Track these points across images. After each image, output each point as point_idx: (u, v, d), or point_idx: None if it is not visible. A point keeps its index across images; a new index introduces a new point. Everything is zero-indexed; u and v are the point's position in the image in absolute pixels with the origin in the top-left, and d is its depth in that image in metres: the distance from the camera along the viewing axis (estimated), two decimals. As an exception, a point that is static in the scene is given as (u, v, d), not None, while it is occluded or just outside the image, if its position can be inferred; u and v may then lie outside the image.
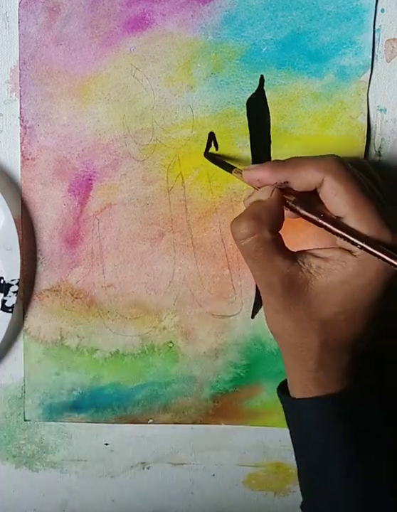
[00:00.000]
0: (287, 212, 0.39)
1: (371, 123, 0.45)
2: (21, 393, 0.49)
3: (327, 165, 0.37)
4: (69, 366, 0.48)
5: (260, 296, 0.47)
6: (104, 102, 0.44)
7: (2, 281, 0.45)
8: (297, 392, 0.41)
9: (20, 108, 0.44)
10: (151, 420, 0.50)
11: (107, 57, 0.44)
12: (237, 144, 0.45)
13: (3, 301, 0.46)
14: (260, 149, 0.45)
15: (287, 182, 0.38)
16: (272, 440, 0.51)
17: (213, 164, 0.45)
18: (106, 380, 0.48)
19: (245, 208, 0.40)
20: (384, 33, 0.44)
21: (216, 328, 0.48)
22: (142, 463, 0.51)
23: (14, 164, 0.45)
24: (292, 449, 0.50)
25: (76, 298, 0.47)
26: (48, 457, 0.51)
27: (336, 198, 0.37)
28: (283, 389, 0.43)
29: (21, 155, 0.45)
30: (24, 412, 0.49)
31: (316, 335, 0.39)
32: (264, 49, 0.44)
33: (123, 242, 0.46)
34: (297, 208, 0.38)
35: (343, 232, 0.37)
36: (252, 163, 0.45)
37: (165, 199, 0.46)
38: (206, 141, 0.45)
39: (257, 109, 0.45)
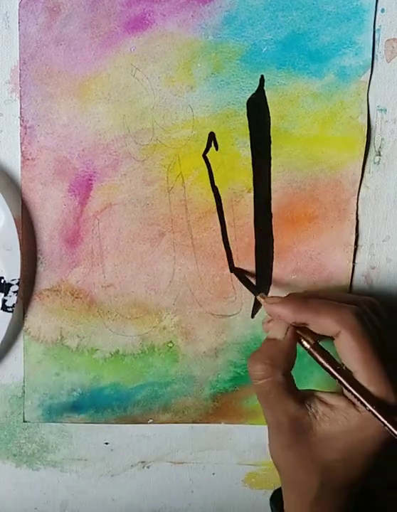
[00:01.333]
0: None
1: (371, 123, 0.45)
2: (22, 393, 0.49)
3: (346, 319, 0.39)
4: (69, 366, 0.48)
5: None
6: (104, 102, 0.44)
7: (2, 281, 0.45)
8: None
9: (21, 108, 0.44)
10: (151, 420, 0.50)
11: (107, 57, 0.44)
12: (237, 144, 0.45)
13: (4, 301, 0.46)
14: (260, 149, 0.45)
15: (306, 324, 0.40)
16: (271, 439, 0.51)
17: (212, 165, 0.45)
18: (106, 380, 0.48)
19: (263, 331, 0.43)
20: (384, 33, 0.44)
21: (216, 328, 0.48)
22: (142, 462, 0.52)
23: (14, 164, 0.45)
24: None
25: (76, 298, 0.47)
26: (49, 456, 0.51)
27: (349, 353, 0.39)
28: (275, 501, 0.46)
29: (21, 155, 0.45)
30: (23, 413, 0.49)
31: (316, 475, 0.41)
32: (264, 49, 0.44)
33: (123, 242, 0.46)
34: (315, 354, 0.40)
35: (355, 391, 0.38)
36: (253, 164, 0.45)
37: (165, 199, 0.46)
38: (206, 141, 0.45)
39: (257, 109, 0.45)
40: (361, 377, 0.38)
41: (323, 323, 0.39)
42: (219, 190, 0.46)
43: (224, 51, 0.44)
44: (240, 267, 0.47)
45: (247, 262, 0.47)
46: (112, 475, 0.52)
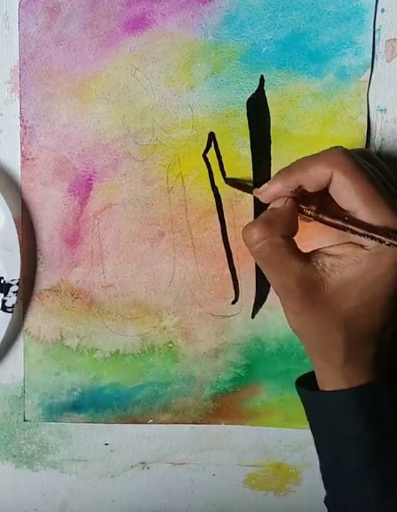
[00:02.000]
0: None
1: (371, 123, 0.45)
2: (21, 393, 0.49)
3: (334, 159, 0.38)
4: (69, 366, 0.48)
5: (260, 296, 0.47)
6: (104, 102, 0.44)
7: (2, 281, 0.45)
8: (326, 387, 0.42)
9: (21, 108, 0.44)
10: (151, 420, 0.50)
11: (107, 57, 0.44)
12: (237, 144, 0.45)
13: (3, 301, 0.46)
14: (260, 149, 0.45)
15: (300, 186, 0.39)
16: (272, 440, 0.51)
17: (212, 165, 0.45)
18: (106, 380, 0.48)
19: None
20: (384, 33, 0.44)
21: (216, 328, 0.48)
22: (142, 463, 0.51)
23: (14, 164, 0.45)
24: (292, 448, 0.50)
25: (76, 298, 0.47)
26: (48, 457, 0.51)
27: (345, 191, 0.37)
28: (302, 384, 0.44)
29: (21, 155, 0.45)
30: (24, 413, 0.49)
31: (340, 331, 0.39)
32: (264, 49, 0.44)
33: (123, 242, 0.46)
34: (320, 216, 0.39)
35: (370, 232, 0.37)
36: (253, 163, 0.45)
37: (165, 199, 0.46)
38: (206, 141, 0.45)
39: (257, 109, 0.45)
40: (363, 214, 0.37)
41: (313, 174, 0.38)
42: (219, 190, 0.46)
43: (224, 51, 0.44)
44: (239, 264, 0.47)
45: (247, 262, 0.47)
46: (112, 476, 0.52)
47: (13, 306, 0.46)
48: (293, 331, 0.41)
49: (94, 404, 0.49)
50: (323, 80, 0.44)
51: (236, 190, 0.46)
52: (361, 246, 0.38)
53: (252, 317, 0.48)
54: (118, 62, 0.44)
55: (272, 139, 0.45)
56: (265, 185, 0.40)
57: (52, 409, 0.49)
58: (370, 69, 0.44)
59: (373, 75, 0.44)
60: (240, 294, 0.47)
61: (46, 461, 0.51)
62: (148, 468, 0.52)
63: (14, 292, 0.46)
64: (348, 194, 0.37)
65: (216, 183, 0.46)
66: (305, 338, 0.41)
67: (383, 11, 0.44)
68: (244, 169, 0.46)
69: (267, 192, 0.40)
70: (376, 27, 0.44)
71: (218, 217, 0.46)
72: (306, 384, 0.43)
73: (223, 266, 0.47)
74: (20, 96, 0.44)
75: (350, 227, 0.38)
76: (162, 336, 0.48)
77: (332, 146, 0.45)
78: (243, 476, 0.52)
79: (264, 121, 0.45)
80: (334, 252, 0.39)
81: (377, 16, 0.44)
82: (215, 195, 0.46)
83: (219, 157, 0.45)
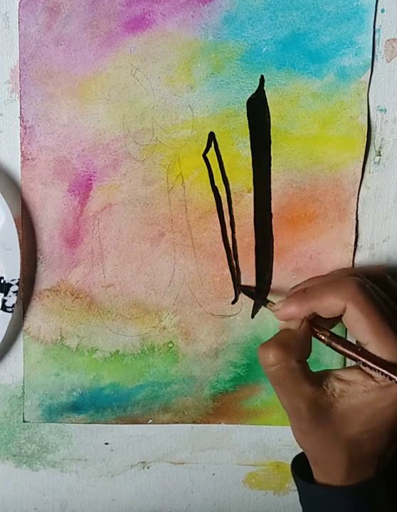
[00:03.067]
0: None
1: (371, 123, 0.45)
2: (21, 393, 0.49)
3: (347, 291, 0.39)
4: (69, 366, 0.48)
5: (260, 296, 0.47)
6: (104, 102, 0.44)
7: (2, 281, 0.45)
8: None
9: (21, 108, 0.44)
10: (151, 420, 0.50)
11: (107, 57, 0.44)
12: (237, 144, 0.45)
13: (3, 301, 0.46)
14: (260, 149, 0.45)
15: (314, 313, 0.40)
16: (271, 439, 0.51)
17: (212, 165, 0.45)
18: (106, 380, 0.48)
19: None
20: (384, 33, 0.44)
21: (216, 328, 0.48)
22: (142, 462, 0.51)
23: (14, 164, 0.45)
24: (292, 448, 0.51)
25: (76, 298, 0.47)
26: (48, 456, 0.51)
27: (358, 325, 0.38)
28: (297, 469, 0.45)
29: (21, 155, 0.45)
30: (23, 414, 0.49)
31: (343, 452, 0.40)
32: (264, 49, 0.44)
33: (123, 242, 0.46)
34: (333, 343, 0.40)
35: (378, 366, 0.38)
36: (253, 164, 0.45)
37: (165, 199, 0.46)
38: (206, 141, 0.45)
39: (257, 109, 0.45)
40: (373, 347, 0.38)
41: (328, 304, 0.39)
42: (219, 190, 0.46)
43: (224, 51, 0.44)
44: (240, 267, 0.47)
45: (247, 262, 0.47)
46: (112, 475, 0.52)
47: (13, 306, 0.46)
48: (299, 445, 0.43)
49: (94, 405, 0.49)
50: (323, 80, 0.44)
51: (236, 190, 0.46)
52: (371, 376, 0.39)
53: (252, 317, 0.48)
54: (118, 62, 0.44)
55: (272, 139, 0.45)
56: (280, 305, 0.42)
57: (52, 410, 0.49)
58: (370, 69, 0.44)
59: (373, 75, 0.44)
60: (239, 293, 0.47)
61: (46, 461, 0.51)
62: (148, 467, 0.52)
63: (14, 292, 0.46)
64: (360, 327, 0.38)
65: (216, 183, 0.46)
66: (310, 454, 0.43)
67: (383, 11, 0.43)
68: (244, 169, 0.46)
69: (282, 312, 0.41)
70: (376, 27, 0.44)
71: (218, 217, 0.46)
72: (303, 466, 0.44)
73: (223, 266, 0.47)
74: (21, 96, 0.44)
75: (361, 359, 0.39)
76: (162, 336, 0.48)
77: (332, 146, 0.45)
78: (243, 475, 0.52)
79: (264, 121, 0.45)
80: (344, 377, 0.40)
81: (377, 16, 0.43)
82: (215, 195, 0.46)
83: (219, 157, 0.45)
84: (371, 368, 0.38)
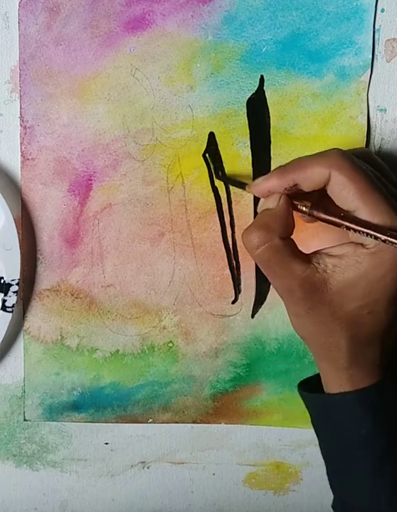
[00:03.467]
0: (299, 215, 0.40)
1: (371, 123, 0.45)
2: (22, 393, 0.49)
3: (331, 160, 0.37)
4: (69, 366, 0.48)
5: (260, 296, 0.47)
6: (104, 102, 0.44)
7: (2, 281, 0.45)
8: (331, 389, 0.41)
9: (20, 108, 0.44)
10: (151, 420, 0.50)
11: (107, 57, 0.44)
12: (237, 144, 0.45)
13: (3, 301, 0.46)
14: (260, 149, 0.45)
15: (296, 184, 0.38)
16: (271, 439, 0.51)
17: (213, 166, 0.45)
18: (106, 379, 0.48)
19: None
20: (384, 33, 0.44)
21: (216, 328, 0.48)
22: (142, 462, 0.52)
23: (14, 164, 0.45)
24: (292, 448, 0.50)
25: (76, 298, 0.47)
26: (49, 456, 0.51)
27: (344, 191, 0.37)
28: (305, 387, 0.44)
29: (21, 155, 0.45)
30: (24, 412, 0.49)
31: (343, 332, 0.39)
32: (264, 49, 0.44)
33: (123, 242, 0.46)
34: (314, 212, 0.39)
35: (365, 228, 0.37)
36: (253, 164, 0.45)
37: (165, 199, 0.46)
38: (206, 141, 0.45)
39: (257, 109, 0.45)
40: (362, 213, 0.37)
41: (310, 174, 0.38)
42: (219, 190, 0.46)
43: (224, 51, 0.44)
44: (240, 266, 0.47)
45: (247, 262, 0.47)
46: (112, 475, 0.52)
47: (13, 306, 0.46)
48: (297, 334, 0.41)
49: (94, 404, 0.49)
50: (323, 80, 0.44)
51: (236, 190, 0.46)
52: (362, 245, 0.38)
53: (252, 317, 0.48)
54: (118, 62, 0.44)
55: (272, 139, 0.45)
56: (260, 179, 0.40)
57: (52, 409, 0.49)
58: (370, 69, 0.44)
59: (373, 75, 0.44)
60: (240, 293, 0.47)
61: (46, 461, 0.51)
62: (148, 467, 0.52)
63: (14, 292, 0.46)
64: (347, 194, 0.37)
65: (216, 183, 0.46)
66: (309, 341, 0.41)
67: (383, 11, 0.44)
68: (244, 169, 0.46)
69: (261, 186, 0.39)
70: (376, 27, 0.44)
71: (218, 217, 0.46)
72: (309, 387, 0.43)
73: (223, 266, 0.47)
74: (21, 96, 0.44)
75: (346, 223, 0.37)
76: (162, 336, 0.48)
77: (332, 146, 0.45)
78: (243, 475, 0.52)
79: (264, 121, 0.45)
80: (335, 252, 0.39)
81: (377, 16, 0.43)
82: (215, 195, 0.46)
83: (219, 157, 0.45)
84: (356, 230, 0.37)
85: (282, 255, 0.38)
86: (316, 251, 0.40)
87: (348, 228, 0.37)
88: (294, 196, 0.39)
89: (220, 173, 0.46)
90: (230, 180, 0.45)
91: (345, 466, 0.42)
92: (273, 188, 0.39)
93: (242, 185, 0.43)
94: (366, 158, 0.40)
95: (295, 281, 0.38)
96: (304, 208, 0.39)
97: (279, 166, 0.40)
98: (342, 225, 0.38)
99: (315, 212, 0.39)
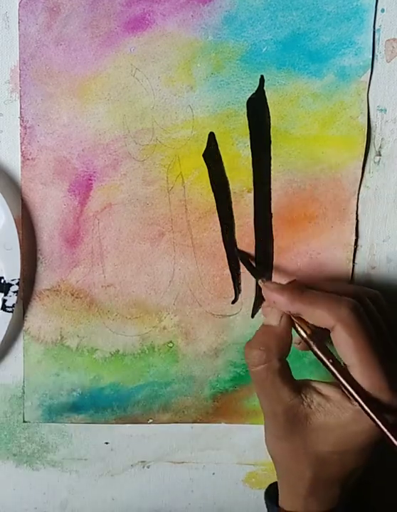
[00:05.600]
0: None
1: (371, 123, 0.45)
2: (21, 393, 0.49)
3: (340, 312, 0.38)
4: (69, 366, 0.48)
5: (260, 296, 0.47)
6: (104, 102, 0.44)
7: (2, 281, 0.45)
8: (286, 506, 0.44)
9: (21, 108, 0.44)
10: (151, 420, 0.50)
11: (107, 57, 0.44)
12: (237, 144, 0.45)
13: (4, 301, 0.46)
14: (260, 149, 0.45)
15: (300, 315, 0.40)
16: (271, 439, 0.51)
17: (212, 165, 0.45)
18: (106, 380, 0.48)
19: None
20: (384, 33, 0.44)
21: (216, 328, 0.48)
22: (142, 462, 0.52)
23: (14, 164, 0.45)
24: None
25: (76, 298, 0.47)
26: (49, 456, 0.51)
27: (344, 347, 0.38)
28: (270, 494, 0.46)
29: (21, 155, 0.45)
30: (23, 414, 0.49)
31: (310, 467, 0.41)
32: (264, 49, 0.44)
33: (123, 242, 0.46)
34: (311, 343, 0.40)
35: (348, 385, 0.38)
36: (253, 164, 0.45)
37: (165, 199, 0.46)
38: (206, 141, 0.45)
39: (257, 109, 0.45)
40: (356, 371, 0.38)
41: (318, 316, 0.39)
42: (219, 190, 0.46)
43: (224, 51, 0.44)
44: (240, 266, 0.47)
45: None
46: (112, 475, 0.52)
47: (13, 306, 0.46)
48: (268, 451, 0.43)
49: (94, 405, 0.49)
50: (323, 80, 0.44)
51: (236, 190, 0.46)
52: (349, 399, 0.39)
53: (252, 317, 0.48)
54: (118, 62, 0.44)
55: (272, 139, 0.45)
56: (273, 285, 0.42)
57: (52, 410, 0.49)
58: (370, 69, 0.44)
59: (373, 75, 0.44)
60: (240, 293, 0.48)
61: (46, 460, 0.51)
62: (148, 467, 0.52)
63: (14, 292, 0.46)
64: (346, 349, 0.38)
65: (216, 183, 0.46)
66: (277, 462, 0.43)
67: (383, 11, 0.43)
68: (244, 169, 0.46)
69: (270, 295, 0.41)
70: (376, 27, 0.44)
71: (218, 217, 0.46)
72: (275, 491, 0.45)
73: (223, 266, 0.47)
74: (21, 96, 0.44)
75: (335, 373, 0.39)
76: (162, 336, 0.48)
77: (332, 146, 0.45)
78: (243, 474, 0.52)
79: (264, 121, 0.45)
80: (323, 391, 0.40)
81: (377, 16, 0.43)
82: (215, 195, 0.46)
83: (219, 157, 0.45)
84: (344, 387, 0.38)
85: (276, 378, 0.40)
86: (307, 381, 0.42)
87: (332, 374, 0.39)
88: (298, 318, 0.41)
89: (236, 250, 0.47)
90: (245, 260, 0.46)
91: None
92: (279, 304, 0.40)
93: (256, 274, 0.45)
94: (375, 300, 0.42)
95: (280, 407, 0.40)
96: (302, 333, 0.40)
97: (296, 287, 0.41)
98: (329, 370, 0.39)
99: (311, 343, 0.40)
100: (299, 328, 0.40)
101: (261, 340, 0.41)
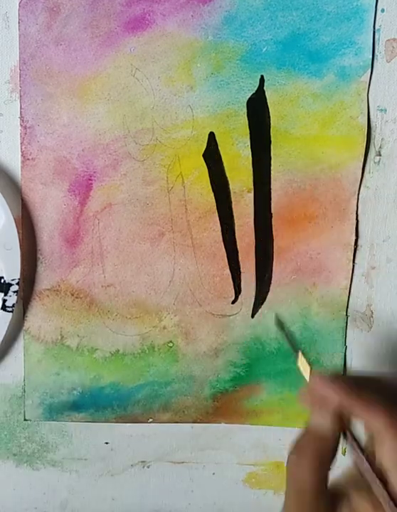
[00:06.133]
0: None
1: (371, 123, 0.45)
2: (22, 392, 0.49)
3: (394, 423, 0.34)
4: (69, 366, 0.48)
5: (260, 296, 0.47)
6: (104, 102, 0.44)
7: (2, 281, 0.45)
8: None
9: (21, 108, 0.44)
10: (151, 420, 0.50)
11: (107, 57, 0.44)
12: (237, 143, 0.45)
13: (4, 301, 0.46)
14: (260, 149, 0.45)
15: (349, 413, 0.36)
16: (271, 439, 0.51)
17: (212, 165, 0.45)
18: (106, 379, 0.49)
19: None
20: (384, 33, 0.44)
21: (216, 328, 0.48)
22: (142, 461, 0.52)
23: (14, 164, 0.45)
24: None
25: (76, 298, 0.47)
26: (49, 456, 0.51)
27: (389, 455, 0.34)
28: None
29: (21, 155, 0.45)
30: (24, 412, 0.49)
31: None
32: (264, 49, 0.44)
33: (123, 242, 0.46)
34: (351, 444, 0.36)
35: (388, 496, 0.34)
36: (253, 164, 0.45)
37: (165, 199, 0.46)
38: (206, 141, 0.45)
39: (257, 109, 0.45)
40: (393, 477, 0.34)
41: (372, 422, 0.35)
42: (219, 190, 0.46)
43: (224, 51, 0.44)
44: (240, 264, 0.47)
45: (247, 262, 0.47)
46: (112, 475, 0.52)
47: (13, 306, 0.46)
48: None
49: (94, 404, 0.49)
50: (323, 80, 0.44)
51: (236, 190, 0.46)
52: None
53: (252, 317, 0.48)
54: (118, 62, 0.44)
55: (272, 139, 0.45)
56: (324, 378, 0.36)
57: (52, 409, 0.49)
58: (370, 69, 0.44)
59: (373, 75, 0.44)
60: (240, 293, 0.48)
61: (47, 460, 0.51)
62: (148, 467, 0.52)
63: (14, 292, 0.46)
64: (390, 456, 0.34)
65: (216, 183, 0.46)
66: None
67: (383, 11, 0.43)
68: (244, 169, 0.46)
69: (320, 388, 0.36)
70: (376, 27, 0.44)
71: (218, 217, 0.46)
72: None
73: (223, 266, 0.47)
74: (21, 96, 0.44)
75: (378, 485, 0.35)
76: (162, 336, 0.48)
77: (332, 146, 0.45)
78: (243, 474, 0.52)
79: (264, 121, 0.45)
80: (355, 506, 0.36)
81: (377, 16, 0.43)
82: (215, 195, 0.46)
83: (219, 157, 0.45)
84: (376, 489, 0.34)
85: (318, 492, 0.35)
86: (342, 493, 0.37)
87: (371, 479, 0.35)
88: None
89: (280, 321, 0.44)
90: (285, 333, 0.42)
91: None
92: (330, 400, 0.35)
93: (295, 349, 0.39)
94: None
95: None
96: (348, 437, 0.36)
97: (350, 383, 0.35)
98: (363, 474, 0.35)
99: (351, 444, 0.36)
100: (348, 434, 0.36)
101: (313, 450, 0.35)
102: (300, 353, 0.38)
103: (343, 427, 0.36)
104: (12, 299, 0.46)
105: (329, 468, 0.36)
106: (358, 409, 0.35)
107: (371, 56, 0.44)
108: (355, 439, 0.36)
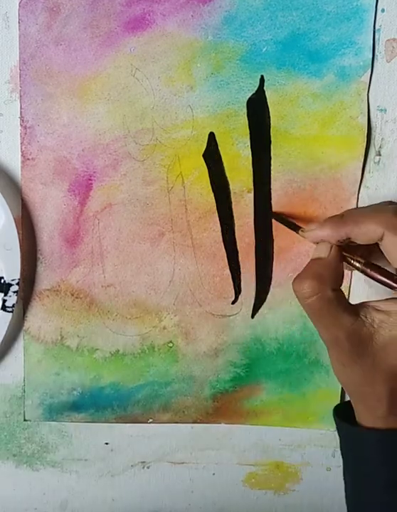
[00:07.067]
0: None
1: (371, 123, 0.45)
2: (22, 393, 0.49)
3: (386, 219, 0.38)
4: (69, 366, 0.48)
5: (260, 296, 0.47)
6: (104, 102, 0.44)
7: (2, 281, 0.45)
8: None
9: (21, 108, 0.44)
10: (151, 420, 0.50)
11: (107, 57, 0.44)
12: (237, 143, 0.45)
13: (4, 301, 0.46)
14: (260, 149, 0.45)
15: (349, 238, 0.40)
16: (271, 439, 0.51)
17: (212, 165, 0.45)
18: (106, 379, 0.49)
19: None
20: (384, 33, 0.44)
21: (216, 328, 0.48)
22: (142, 462, 0.52)
23: (14, 164, 0.45)
24: (292, 448, 0.51)
25: (76, 298, 0.47)
26: (49, 456, 0.51)
27: (396, 251, 0.38)
28: (340, 414, 0.44)
29: (21, 155, 0.45)
30: (24, 412, 0.49)
31: (385, 384, 0.40)
32: (264, 49, 0.44)
33: (123, 242, 0.46)
34: (368, 270, 0.40)
35: None
36: (253, 164, 0.45)
37: (165, 199, 0.46)
38: (206, 141, 0.45)
39: (257, 109, 0.45)
40: None
41: (365, 230, 0.39)
42: (219, 190, 0.46)
43: (224, 51, 0.44)
44: (240, 264, 0.47)
45: (247, 262, 0.47)
46: (112, 475, 0.52)
47: (13, 306, 0.46)
48: (338, 380, 0.42)
49: (94, 404, 0.49)
50: (323, 80, 0.44)
51: (236, 190, 0.46)
52: None
53: (252, 317, 0.48)
54: (118, 62, 0.44)
55: (272, 139, 0.45)
56: (313, 226, 0.41)
57: (52, 409, 0.49)
58: (370, 69, 0.44)
59: (373, 75, 0.44)
60: (240, 293, 0.48)
61: (46, 461, 0.51)
62: (148, 467, 0.52)
63: (14, 292, 0.46)
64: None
65: (216, 183, 0.46)
66: (350, 389, 0.42)
67: (383, 11, 0.43)
68: (244, 169, 0.46)
69: (314, 234, 0.41)
70: (376, 27, 0.44)
71: (218, 217, 0.46)
72: (342, 413, 0.43)
73: (223, 266, 0.47)
74: (21, 96, 0.44)
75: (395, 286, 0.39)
76: (162, 336, 0.48)
77: (332, 146, 0.45)
78: (243, 475, 0.52)
79: (264, 121, 0.45)
80: (383, 307, 0.40)
81: (377, 16, 0.43)
82: (215, 195, 0.46)
83: (219, 157, 0.45)
84: None
85: (333, 306, 0.39)
86: (364, 303, 0.41)
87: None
88: (344, 248, 0.40)
89: (273, 212, 0.46)
90: (284, 220, 0.46)
91: (368, 509, 0.42)
92: (327, 237, 0.40)
93: (295, 228, 0.44)
94: None
95: (343, 333, 0.39)
96: (357, 264, 0.40)
97: (335, 216, 0.41)
98: (394, 288, 0.39)
99: (368, 270, 0.40)
100: (353, 261, 0.40)
101: (311, 270, 0.40)
102: (301, 231, 0.43)
103: (342, 251, 0.40)
104: (12, 299, 0.46)
105: (333, 286, 0.39)
106: (348, 226, 0.39)
107: (371, 56, 0.44)
108: (369, 265, 0.40)
